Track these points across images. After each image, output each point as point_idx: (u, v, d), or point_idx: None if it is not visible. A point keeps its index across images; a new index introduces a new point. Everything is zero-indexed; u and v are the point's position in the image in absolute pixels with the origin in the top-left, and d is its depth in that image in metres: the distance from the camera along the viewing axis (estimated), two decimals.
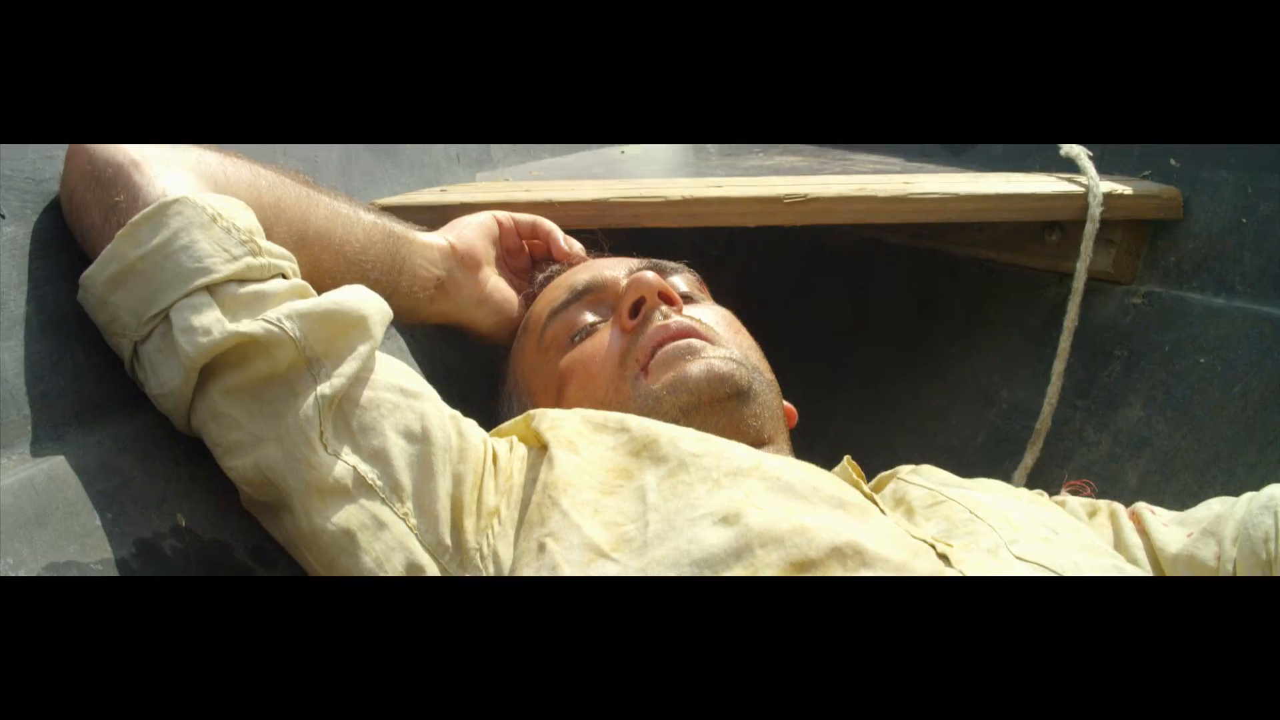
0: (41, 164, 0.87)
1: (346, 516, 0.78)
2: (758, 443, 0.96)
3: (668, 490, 0.80)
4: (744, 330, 1.10)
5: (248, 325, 0.78)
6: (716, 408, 0.95)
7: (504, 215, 1.21)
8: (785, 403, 1.09)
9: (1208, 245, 1.32)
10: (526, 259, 1.24)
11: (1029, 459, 1.32)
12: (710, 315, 1.07)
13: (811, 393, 1.50)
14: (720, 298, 1.17)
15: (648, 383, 0.97)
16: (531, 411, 0.92)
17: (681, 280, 1.13)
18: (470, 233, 1.17)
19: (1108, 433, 1.32)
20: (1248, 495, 0.88)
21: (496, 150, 1.81)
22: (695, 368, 0.96)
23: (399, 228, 1.08)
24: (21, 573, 0.68)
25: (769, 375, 1.05)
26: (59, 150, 0.87)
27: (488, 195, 1.36)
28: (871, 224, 1.39)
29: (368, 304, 0.84)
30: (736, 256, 1.81)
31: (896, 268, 1.70)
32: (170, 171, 0.85)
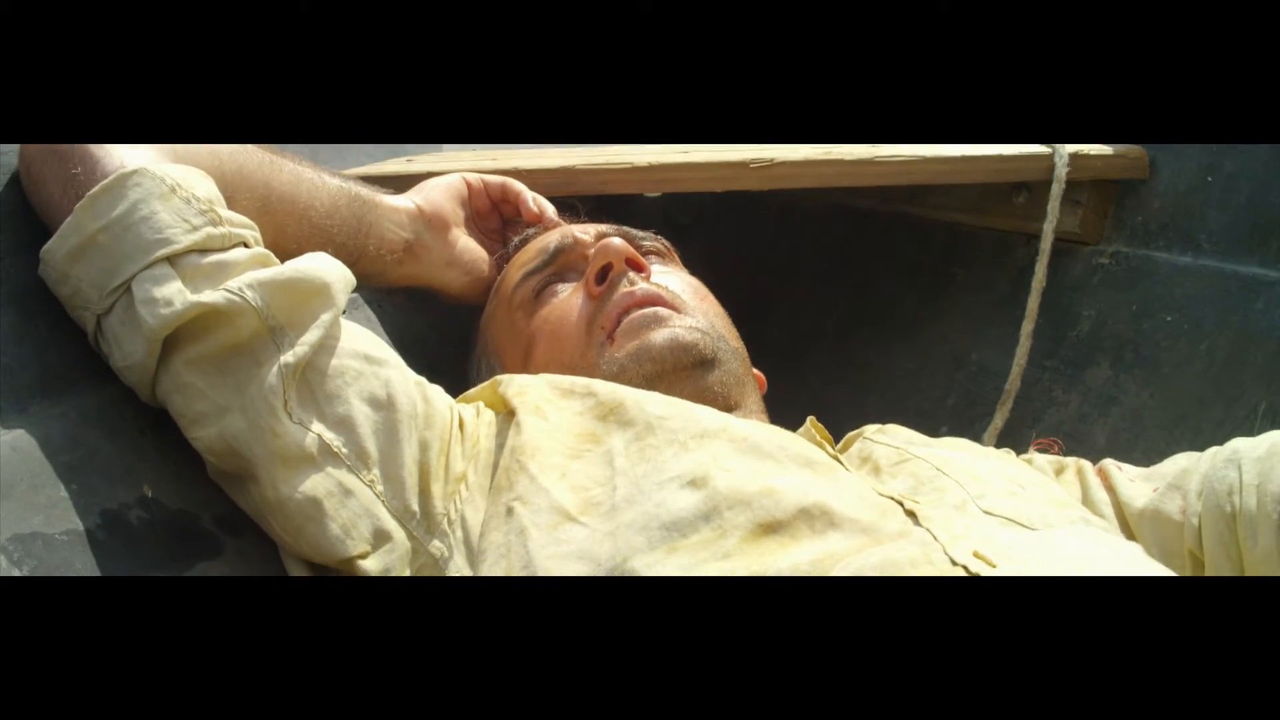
0: None
1: (313, 485, 0.78)
2: (725, 409, 0.96)
3: (635, 454, 0.80)
4: (711, 298, 1.10)
5: (209, 295, 0.78)
6: (680, 376, 0.95)
7: (473, 177, 1.21)
8: (755, 370, 1.09)
9: (1173, 204, 1.32)
10: (497, 220, 1.24)
11: (999, 419, 1.33)
12: (677, 283, 1.07)
13: (783, 357, 1.51)
14: (691, 265, 1.17)
15: (613, 350, 0.97)
16: (498, 377, 0.92)
17: (651, 246, 1.13)
18: (437, 194, 1.16)
19: (1076, 392, 1.33)
20: (1212, 450, 0.89)
21: None
22: (659, 336, 0.97)
23: (365, 191, 1.08)
24: None
25: (735, 343, 1.05)
26: None
27: (454, 165, 1.35)
28: (839, 188, 1.39)
29: (330, 271, 0.84)
30: (707, 223, 1.81)
31: (865, 231, 1.71)
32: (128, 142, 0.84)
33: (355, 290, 1.16)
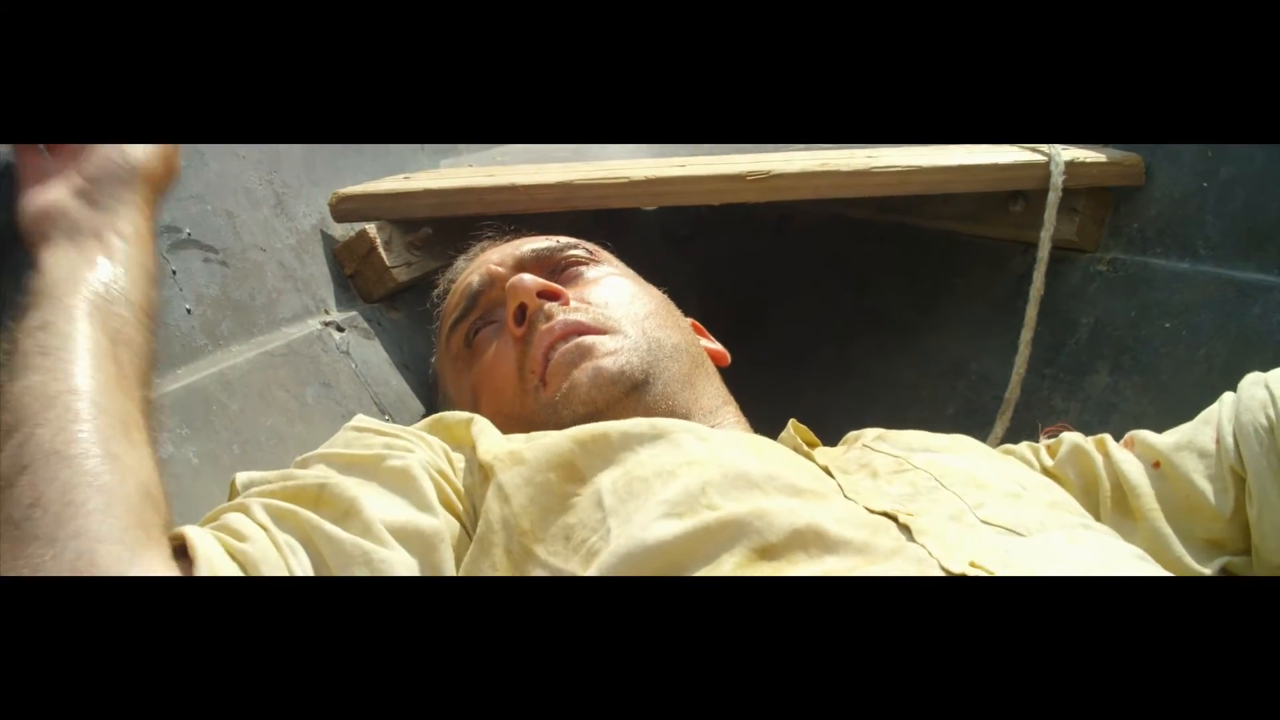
0: None
1: None
2: (680, 418, 0.93)
3: (623, 490, 0.78)
4: (643, 294, 1.07)
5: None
6: (617, 406, 0.93)
7: None
8: (712, 345, 1.07)
9: (1170, 210, 1.32)
10: None
11: (999, 429, 1.33)
12: (601, 292, 1.05)
13: (781, 368, 1.51)
14: (689, 276, 1.16)
15: (548, 393, 0.96)
16: (474, 420, 0.89)
17: (571, 257, 1.11)
18: None
19: (1076, 400, 1.33)
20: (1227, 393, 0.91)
21: None
22: (583, 375, 0.95)
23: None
24: None
25: (676, 336, 1.02)
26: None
27: (452, 182, 1.36)
28: (836, 199, 1.39)
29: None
30: (704, 235, 1.82)
31: (863, 242, 1.71)
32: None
33: (353, 311, 1.17)
